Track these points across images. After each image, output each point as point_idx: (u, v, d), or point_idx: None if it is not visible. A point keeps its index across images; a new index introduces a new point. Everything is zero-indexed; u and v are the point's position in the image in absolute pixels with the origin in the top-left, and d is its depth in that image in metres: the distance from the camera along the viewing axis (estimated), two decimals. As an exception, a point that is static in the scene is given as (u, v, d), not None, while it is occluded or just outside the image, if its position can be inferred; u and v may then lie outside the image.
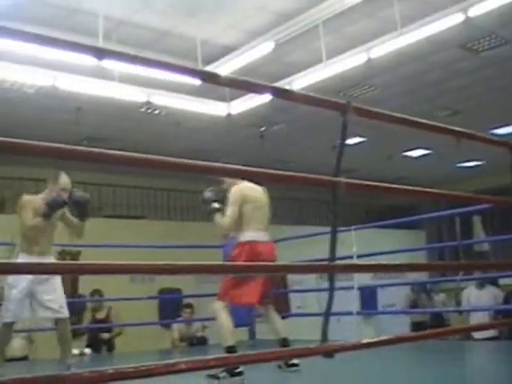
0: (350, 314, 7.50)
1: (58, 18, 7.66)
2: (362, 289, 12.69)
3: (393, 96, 10.46)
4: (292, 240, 8.24)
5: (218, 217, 5.28)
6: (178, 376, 1.95)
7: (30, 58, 7.90)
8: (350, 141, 13.20)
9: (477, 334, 8.56)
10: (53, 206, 5.26)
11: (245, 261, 5.07)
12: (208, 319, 9.50)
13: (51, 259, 5.56)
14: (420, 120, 3.20)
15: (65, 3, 7.44)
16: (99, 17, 7.47)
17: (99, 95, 9.14)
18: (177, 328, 9.64)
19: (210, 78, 2.50)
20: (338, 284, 8.03)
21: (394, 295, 14.14)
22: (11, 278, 5.33)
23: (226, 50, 8.67)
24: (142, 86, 9.09)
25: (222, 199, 5.33)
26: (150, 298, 9.68)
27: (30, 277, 5.22)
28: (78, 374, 1.97)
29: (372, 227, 10.07)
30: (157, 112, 10.63)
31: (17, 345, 8.44)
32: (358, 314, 8.20)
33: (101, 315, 9.46)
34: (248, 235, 5.22)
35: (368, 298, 13.87)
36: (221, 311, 5.13)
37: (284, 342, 5.20)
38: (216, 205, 5.31)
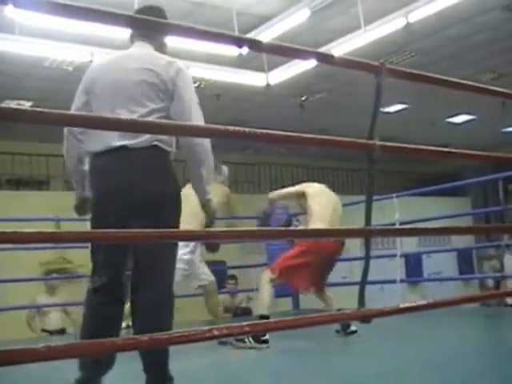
0: (393, 281, 7.43)
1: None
2: (406, 257, 12.69)
3: (434, 61, 10.26)
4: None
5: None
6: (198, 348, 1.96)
7: (68, 35, 7.94)
8: (393, 108, 13.08)
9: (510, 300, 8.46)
10: None
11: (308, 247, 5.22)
12: (252, 290, 9.59)
13: None
14: (457, 80, 3.11)
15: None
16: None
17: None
18: (222, 299, 9.70)
19: (253, 45, 2.48)
20: (382, 252, 8.11)
21: (439, 263, 14.07)
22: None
23: (261, 20, 8.59)
24: (180, 58, 9.05)
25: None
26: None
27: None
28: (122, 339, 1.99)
29: (415, 195, 9.94)
30: (196, 84, 10.63)
31: (54, 317, 8.58)
32: (402, 281, 8.11)
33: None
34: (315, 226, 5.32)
35: (413, 266, 13.82)
36: (266, 284, 5.17)
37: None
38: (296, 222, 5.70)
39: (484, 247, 11.12)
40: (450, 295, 10.99)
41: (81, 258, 8.85)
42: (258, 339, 4.87)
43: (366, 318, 2.65)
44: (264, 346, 4.88)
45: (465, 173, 14.78)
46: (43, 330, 8.36)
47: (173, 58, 3.08)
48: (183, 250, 5.41)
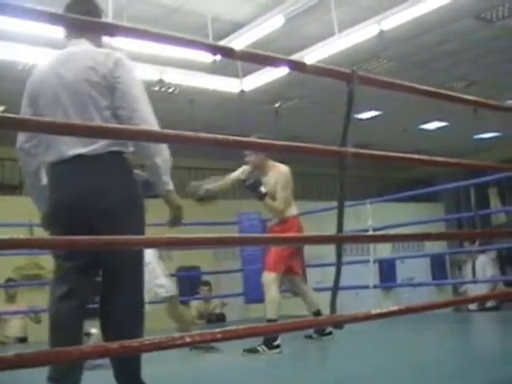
0: (366, 287, 7.47)
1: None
2: (380, 263, 12.74)
3: (408, 68, 10.35)
4: (309, 215, 8.14)
5: (269, 201, 5.34)
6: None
7: (40, 39, 7.89)
8: (366, 114, 13.14)
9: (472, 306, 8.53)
10: None
11: (296, 232, 5.20)
12: (226, 296, 9.59)
13: None
14: (427, 88, 3.14)
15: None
16: (109, -4, 7.43)
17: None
18: (195, 305, 9.67)
19: (226, 53, 2.49)
20: (356, 258, 8.14)
21: (413, 269, 14.14)
22: None
23: (236, 26, 8.60)
24: (154, 64, 9.06)
25: (260, 180, 5.37)
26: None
27: None
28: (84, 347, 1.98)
29: (388, 201, 9.98)
30: (170, 90, 10.62)
31: (15, 325, 8.49)
32: (375, 287, 8.15)
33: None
34: (294, 210, 5.45)
35: (387, 272, 13.89)
36: (272, 284, 5.15)
37: (318, 314, 5.27)
38: (263, 189, 5.33)
39: (456, 253, 11.21)
40: (424, 300, 11.09)
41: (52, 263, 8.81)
42: (271, 345, 4.87)
43: (338, 324, 2.67)
44: (276, 351, 4.88)
45: (438, 179, 14.91)
46: (5, 337, 8.29)
47: (111, 50, 2.93)
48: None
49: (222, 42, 8.54)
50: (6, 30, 7.39)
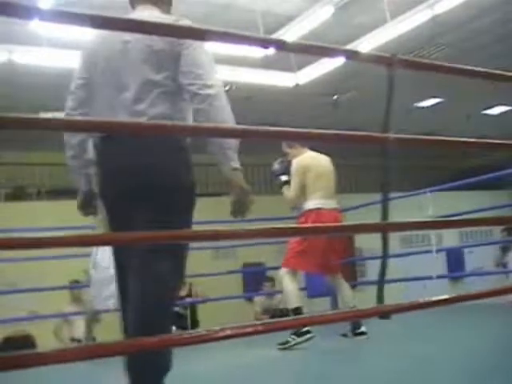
0: (429, 278, 7.29)
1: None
2: (448, 253, 12.47)
3: (464, 54, 10.09)
4: (361, 208, 7.99)
5: (285, 189, 5.43)
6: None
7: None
8: (427, 102, 12.93)
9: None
10: None
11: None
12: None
13: None
14: (476, 68, 3.03)
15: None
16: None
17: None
18: (259, 301, 9.68)
19: (279, 46, 2.46)
20: (422, 249, 7.90)
21: (482, 258, 13.79)
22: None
23: (286, 20, 8.58)
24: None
25: (289, 171, 5.43)
26: (230, 272, 9.70)
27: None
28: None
29: (449, 189, 9.71)
30: (227, 88, 10.63)
31: (82, 326, 8.63)
32: (439, 277, 7.95)
33: (182, 292, 9.57)
34: (312, 203, 5.27)
35: (455, 262, 13.59)
36: (284, 276, 5.24)
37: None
38: (284, 177, 5.44)
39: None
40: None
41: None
42: (300, 333, 4.92)
43: (384, 314, 2.60)
44: (308, 336, 4.93)
45: (503, 166, 14.51)
46: (72, 339, 8.42)
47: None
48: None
49: (274, 36, 8.53)
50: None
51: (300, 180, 5.29)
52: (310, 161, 5.40)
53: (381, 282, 2.72)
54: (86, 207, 2.95)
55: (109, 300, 5.16)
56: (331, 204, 5.30)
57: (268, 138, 2.56)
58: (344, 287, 5.42)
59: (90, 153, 2.86)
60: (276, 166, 5.59)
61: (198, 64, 2.69)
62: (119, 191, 2.67)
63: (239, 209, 2.73)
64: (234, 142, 2.67)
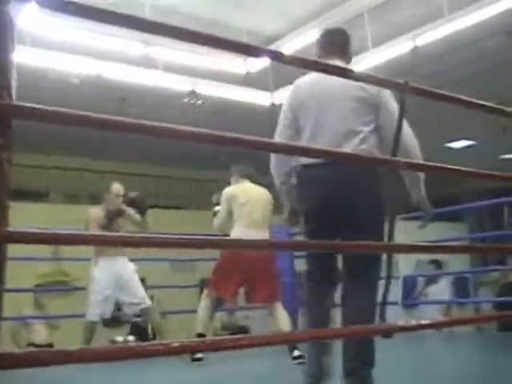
0: (394, 303, 7.41)
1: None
2: (404, 280, 12.60)
3: (438, 86, 10.26)
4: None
5: (214, 219, 5.66)
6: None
7: (76, 47, 7.98)
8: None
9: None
10: (109, 217, 5.87)
11: (225, 257, 5.38)
12: (250, 309, 9.57)
13: (126, 259, 6.10)
14: (478, 101, 3.15)
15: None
16: (146, 7, 7.51)
17: (144, 84, 9.20)
18: (219, 317, 9.68)
19: (276, 57, 2.50)
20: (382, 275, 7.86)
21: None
22: (96, 275, 5.97)
23: (271, 40, 8.67)
24: (187, 75, 9.13)
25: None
26: (194, 286, 9.67)
27: (113, 274, 5.92)
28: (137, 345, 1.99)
29: (413, 219, 9.82)
30: (200, 102, 10.63)
31: (40, 331, 8.54)
32: (404, 305, 8.08)
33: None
34: (234, 231, 5.38)
35: (409, 290, 13.73)
36: (202, 300, 5.39)
37: None
38: (217, 207, 5.66)
39: (481, 272, 11.13)
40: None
41: (78, 271, 8.81)
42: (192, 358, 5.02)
43: (388, 333, 2.66)
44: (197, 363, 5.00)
45: (463, 198, 14.79)
46: (29, 344, 8.31)
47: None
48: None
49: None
50: (41, 36, 7.50)
51: (223, 208, 5.47)
52: (235, 190, 5.54)
53: (384, 301, 2.80)
54: (292, 220, 3.56)
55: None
56: (253, 234, 5.22)
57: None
58: (279, 317, 5.36)
59: (293, 179, 3.43)
60: (214, 197, 5.87)
61: (393, 118, 2.95)
62: (324, 210, 3.18)
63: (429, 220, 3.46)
64: (423, 176, 3.30)
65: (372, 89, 3.16)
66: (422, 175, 3.29)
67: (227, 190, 5.54)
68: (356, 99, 3.21)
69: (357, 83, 3.10)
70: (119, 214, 5.94)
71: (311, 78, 3.35)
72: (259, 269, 5.33)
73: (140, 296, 6.01)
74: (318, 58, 3.44)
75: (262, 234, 5.34)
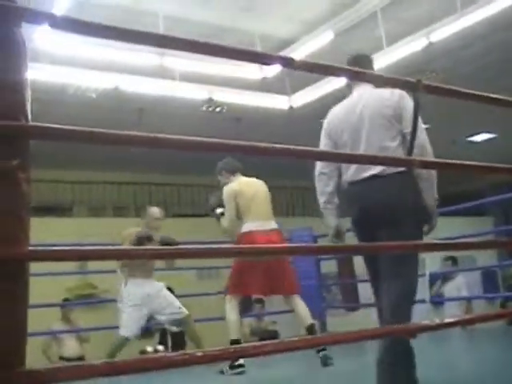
0: (422, 301, 7.36)
1: (116, 19, 7.74)
2: (431, 276, 12.51)
3: (457, 80, 10.21)
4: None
5: (222, 220, 5.46)
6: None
7: (91, 62, 8.06)
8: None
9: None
10: (140, 240, 5.86)
11: (240, 259, 5.17)
12: (278, 313, 9.55)
13: (153, 281, 6.15)
14: (492, 95, 3.13)
15: (124, 3, 7.54)
16: (159, 16, 7.56)
17: (161, 95, 9.26)
18: (248, 323, 9.67)
19: (287, 63, 2.51)
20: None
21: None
22: (126, 295, 5.98)
23: (284, 44, 8.67)
24: (203, 83, 9.18)
25: (217, 201, 5.56)
26: (219, 293, 9.66)
27: (143, 294, 5.93)
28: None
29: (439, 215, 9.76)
30: (218, 110, 10.66)
31: (71, 345, 8.60)
32: (431, 301, 8.02)
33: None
34: (245, 227, 5.30)
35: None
36: (227, 305, 5.27)
37: (311, 329, 5.17)
38: (220, 210, 5.49)
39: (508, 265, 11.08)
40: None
41: (106, 283, 8.86)
42: (233, 365, 4.94)
43: (411, 333, 2.66)
44: (238, 370, 4.93)
45: (486, 192, 14.67)
46: (61, 358, 8.38)
47: (393, 88, 3.48)
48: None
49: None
50: (56, 52, 7.58)
51: (231, 207, 5.34)
52: (238, 186, 5.45)
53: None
54: (338, 236, 3.69)
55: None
56: (266, 226, 5.27)
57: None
58: (300, 305, 5.31)
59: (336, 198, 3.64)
60: (211, 199, 5.68)
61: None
62: (369, 221, 3.40)
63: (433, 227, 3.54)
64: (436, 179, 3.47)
65: (395, 102, 3.43)
66: (435, 178, 3.47)
67: (230, 188, 5.43)
68: (383, 117, 3.44)
69: (386, 103, 3.44)
70: (149, 239, 5.97)
71: (346, 106, 3.63)
72: (276, 263, 5.28)
73: (176, 305, 6.06)
74: (348, 85, 3.77)
75: (274, 225, 5.35)
